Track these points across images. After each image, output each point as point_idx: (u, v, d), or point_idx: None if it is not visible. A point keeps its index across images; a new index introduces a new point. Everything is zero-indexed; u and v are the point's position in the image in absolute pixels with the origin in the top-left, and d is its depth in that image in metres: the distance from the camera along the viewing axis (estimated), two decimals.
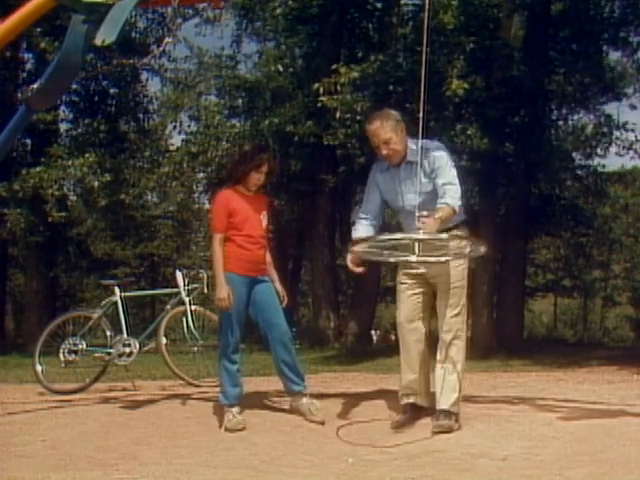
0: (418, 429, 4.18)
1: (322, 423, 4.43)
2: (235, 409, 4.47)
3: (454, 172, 4.21)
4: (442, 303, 4.27)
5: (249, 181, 4.57)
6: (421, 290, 4.34)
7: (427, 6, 3.85)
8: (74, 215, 17.97)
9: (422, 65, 3.41)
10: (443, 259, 3.87)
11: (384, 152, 4.22)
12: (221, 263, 4.47)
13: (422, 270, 4.27)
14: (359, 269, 4.30)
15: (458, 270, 4.25)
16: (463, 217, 4.30)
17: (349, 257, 4.34)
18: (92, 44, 4.24)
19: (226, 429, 4.35)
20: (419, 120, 3.63)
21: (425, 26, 3.63)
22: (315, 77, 12.54)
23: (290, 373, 4.59)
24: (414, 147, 4.20)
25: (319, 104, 11.18)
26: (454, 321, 4.26)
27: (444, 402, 4.20)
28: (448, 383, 4.22)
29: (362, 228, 4.31)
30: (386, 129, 4.18)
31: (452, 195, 4.09)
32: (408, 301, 4.37)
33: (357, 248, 3.94)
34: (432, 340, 4.39)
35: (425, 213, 3.88)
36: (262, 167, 4.57)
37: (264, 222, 4.65)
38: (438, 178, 4.14)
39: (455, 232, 4.06)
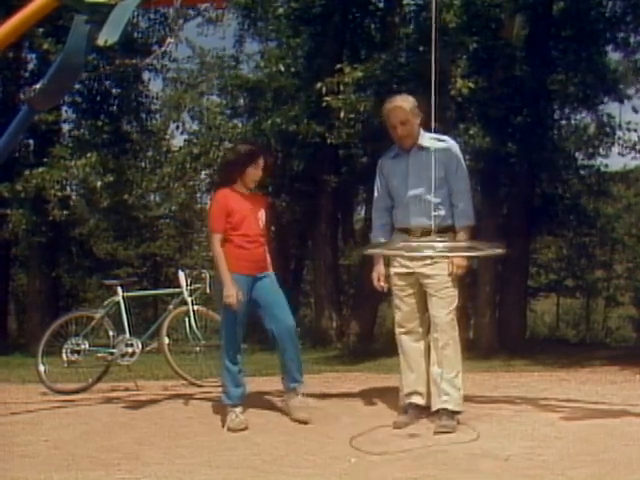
0: (420, 429, 4.18)
1: (306, 422, 4.42)
2: (238, 409, 4.47)
3: (466, 177, 4.38)
4: (434, 304, 4.28)
5: (247, 178, 4.58)
6: (414, 291, 4.36)
7: (434, 5, 3.90)
8: (76, 215, 17.97)
9: (432, 60, 3.45)
10: (463, 254, 3.95)
11: (400, 131, 4.32)
12: (224, 262, 4.47)
13: (412, 270, 4.30)
14: (383, 284, 4.46)
15: (447, 271, 4.26)
16: (450, 222, 4.34)
17: (374, 274, 4.50)
18: (94, 44, 4.26)
19: (229, 429, 4.36)
20: (431, 114, 3.72)
21: (433, 25, 3.66)
22: (317, 77, 12.52)
23: (293, 369, 4.58)
24: (428, 136, 4.34)
25: (324, 104, 11.16)
26: (447, 321, 4.26)
27: (446, 402, 4.21)
28: (448, 383, 4.22)
29: (380, 232, 4.49)
30: (406, 110, 4.30)
31: (467, 211, 4.31)
32: (403, 303, 4.39)
33: (376, 250, 4.12)
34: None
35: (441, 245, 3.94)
36: (258, 161, 4.58)
37: (262, 221, 4.65)
38: (455, 186, 4.26)
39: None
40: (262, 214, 4.66)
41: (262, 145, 5.15)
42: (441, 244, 3.55)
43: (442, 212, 4.26)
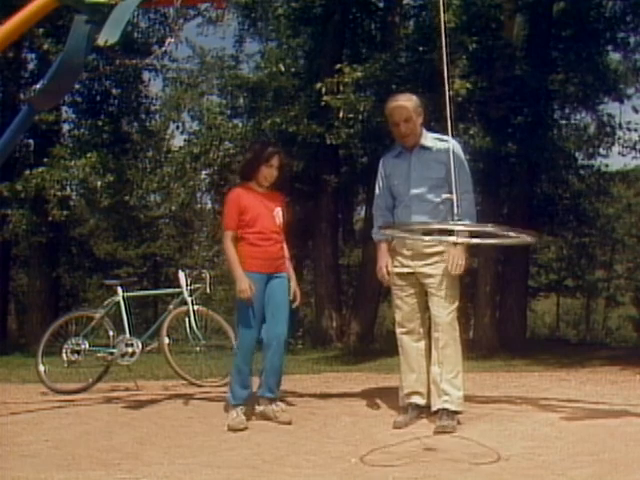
0: (420, 429, 4.18)
1: (289, 423, 4.41)
2: (239, 408, 4.46)
3: (469, 177, 4.36)
4: (435, 303, 4.27)
5: (260, 176, 4.58)
6: (415, 291, 4.35)
7: (442, 5, 3.87)
8: (76, 215, 17.97)
9: (443, 58, 3.42)
10: (485, 242, 3.76)
11: (403, 130, 4.32)
12: (235, 258, 4.46)
13: (412, 269, 4.29)
14: (388, 277, 4.40)
15: (449, 271, 4.26)
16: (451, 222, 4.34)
17: (381, 263, 4.42)
18: (95, 44, 4.26)
19: (229, 428, 4.35)
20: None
21: (443, 25, 3.62)
22: (317, 77, 12.53)
23: (271, 377, 4.55)
24: (431, 136, 4.34)
25: (322, 104, 11.18)
26: (448, 321, 4.25)
27: (446, 402, 4.20)
28: (449, 383, 4.21)
29: (384, 220, 4.43)
30: (409, 108, 4.31)
31: (469, 210, 4.23)
32: (404, 303, 4.39)
33: (388, 231, 4.03)
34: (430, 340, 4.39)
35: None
36: (272, 161, 4.57)
37: (278, 218, 4.63)
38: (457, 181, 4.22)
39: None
40: (278, 211, 4.64)
41: (278, 145, 5.10)
42: (463, 227, 3.39)
43: (443, 212, 4.26)
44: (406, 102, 4.33)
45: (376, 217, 4.56)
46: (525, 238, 3.04)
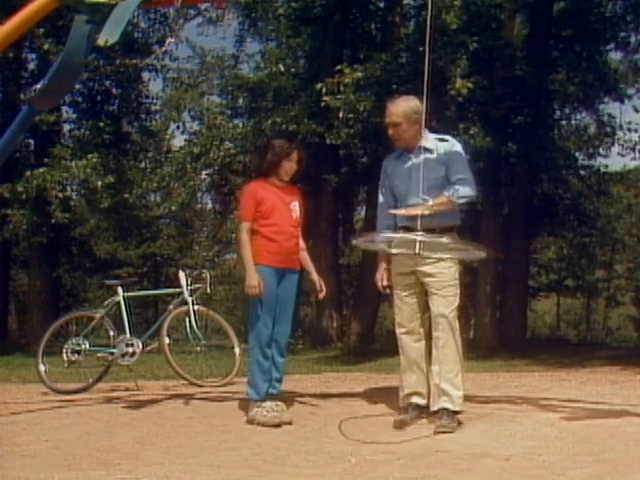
0: (420, 429, 4.18)
1: (289, 423, 4.40)
2: (269, 403, 4.43)
3: (469, 170, 4.35)
4: (435, 302, 4.28)
5: (281, 171, 4.59)
6: (415, 291, 4.36)
7: (430, 5, 3.91)
8: (77, 215, 17.97)
9: (425, 63, 3.46)
10: (444, 256, 3.90)
11: (389, 131, 4.38)
12: (249, 251, 4.46)
13: (413, 268, 4.29)
14: (386, 284, 4.43)
15: (449, 270, 4.27)
16: (458, 222, 4.35)
17: (378, 276, 4.48)
18: (95, 44, 4.26)
19: (259, 424, 4.32)
20: (428, 114, 3.76)
21: (427, 25, 3.66)
22: (317, 77, 12.54)
23: (275, 375, 4.59)
24: (432, 137, 4.36)
25: (322, 104, 11.18)
26: (448, 320, 4.25)
27: (446, 402, 4.20)
28: (449, 383, 4.22)
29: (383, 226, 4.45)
30: (398, 113, 4.33)
31: (460, 191, 4.22)
32: (404, 303, 4.39)
33: (360, 240, 4.06)
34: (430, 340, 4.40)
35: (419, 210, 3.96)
36: (292, 155, 4.60)
37: (295, 213, 4.63)
38: (453, 172, 4.24)
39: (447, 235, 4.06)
40: (295, 205, 4.64)
41: (295, 139, 5.14)
42: (424, 238, 3.46)
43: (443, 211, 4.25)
44: (396, 107, 4.34)
45: (379, 220, 4.60)
46: (476, 254, 3.18)
